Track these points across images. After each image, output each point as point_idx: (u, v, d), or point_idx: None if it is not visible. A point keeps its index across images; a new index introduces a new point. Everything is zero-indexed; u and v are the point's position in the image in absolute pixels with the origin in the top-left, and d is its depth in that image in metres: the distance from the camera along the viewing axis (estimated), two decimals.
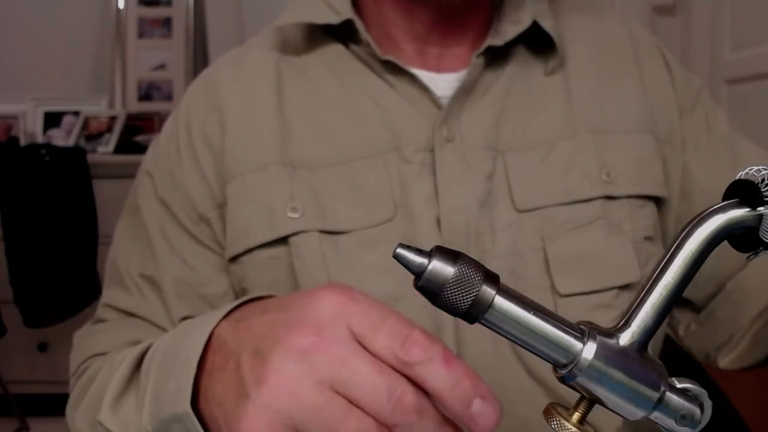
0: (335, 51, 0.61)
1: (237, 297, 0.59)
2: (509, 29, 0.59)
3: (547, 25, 0.59)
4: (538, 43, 0.61)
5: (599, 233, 0.55)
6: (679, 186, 0.62)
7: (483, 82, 0.59)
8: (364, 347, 0.28)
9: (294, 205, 0.55)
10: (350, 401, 0.28)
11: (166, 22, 2.49)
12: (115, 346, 0.57)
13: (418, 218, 0.54)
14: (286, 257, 0.54)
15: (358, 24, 0.58)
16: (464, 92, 0.58)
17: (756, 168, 0.26)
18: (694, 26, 2.21)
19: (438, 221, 0.54)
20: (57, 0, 2.49)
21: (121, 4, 2.48)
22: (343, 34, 0.61)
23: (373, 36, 0.60)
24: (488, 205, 0.55)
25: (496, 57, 0.60)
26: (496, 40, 0.58)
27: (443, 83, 0.59)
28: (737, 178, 0.26)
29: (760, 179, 0.25)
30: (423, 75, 0.59)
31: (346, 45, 0.61)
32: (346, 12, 0.59)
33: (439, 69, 0.61)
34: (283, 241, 0.54)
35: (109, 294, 0.64)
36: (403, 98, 0.58)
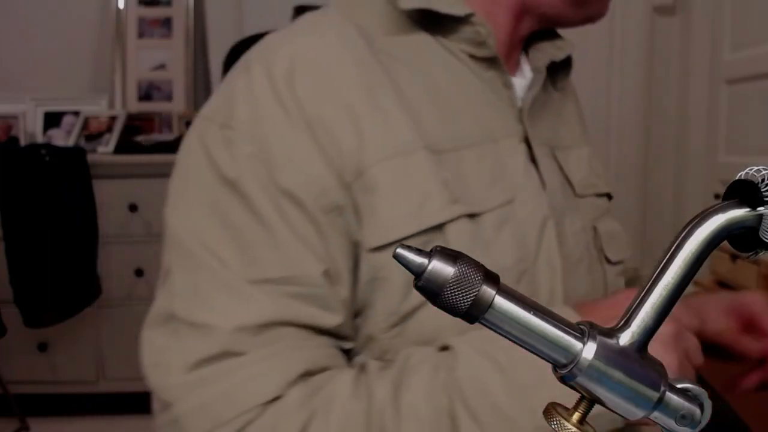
0: (422, 39, 0.60)
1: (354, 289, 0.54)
2: (556, 52, 0.67)
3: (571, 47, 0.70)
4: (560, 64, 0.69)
5: (614, 220, 0.71)
6: None
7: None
8: None
9: (449, 190, 0.54)
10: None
11: (166, 22, 2.50)
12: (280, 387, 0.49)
13: (532, 200, 0.59)
14: (439, 243, 0.52)
15: (480, 22, 0.59)
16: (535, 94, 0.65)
17: (756, 168, 0.26)
18: (694, 26, 2.21)
19: (547, 200, 0.61)
20: (57, 0, 2.49)
21: (121, 4, 2.48)
22: (431, 24, 0.60)
23: (467, 31, 0.61)
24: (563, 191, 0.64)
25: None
26: (558, 54, 0.67)
27: (517, 84, 0.64)
28: (737, 178, 0.26)
29: (760, 179, 0.25)
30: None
31: (433, 35, 0.61)
32: (462, 7, 0.59)
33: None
34: (438, 227, 0.53)
35: (228, 311, 0.50)
36: (492, 91, 0.61)
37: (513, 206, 0.58)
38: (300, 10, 0.86)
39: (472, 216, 0.55)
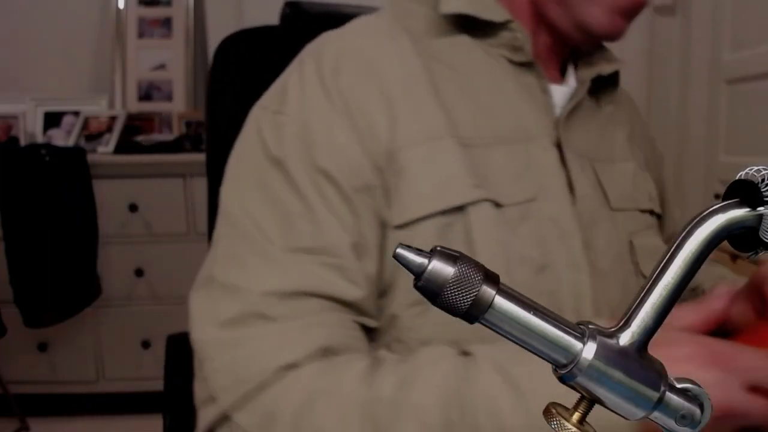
0: (463, 42, 0.64)
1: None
2: (605, 67, 0.69)
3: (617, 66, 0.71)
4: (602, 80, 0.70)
5: (658, 237, 0.71)
6: None
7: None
8: None
9: (473, 176, 0.57)
10: None
11: (166, 22, 2.50)
12: (309, 356, 0.52)
13: (556, 201, 0.61)
14: (461, 224, 0.56)
15: (518, 28, 0.63)
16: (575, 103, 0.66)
17: (756, 168, 0.26)
18: (694, 26, 2.21)
19: (573, 205, 0.61)
20: (57, 0, 2.49)
21: (121, 4, 2.48)
22: (472, 27, 0.64)
23: (505, 36, 0.64)
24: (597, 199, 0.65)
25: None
26: (605, 68, 0.68)
27: (557, 92, 0.66)
28: (737, 178, 0.26)
29: (760, 179, 0.25)
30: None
31: (474, 36, 0.64)
32: (501, 13, 0.63)
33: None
34: (460, 209, 0.56)
35: (259, 275, 0.54)
36: (529, 95, 0.64)
37: (535, 204, 0.59)
38: (292, 6, 0.86)
39: (496, 204, 0.57)
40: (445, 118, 0.58)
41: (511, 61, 0.64)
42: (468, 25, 0.64)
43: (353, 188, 0.56)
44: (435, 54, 0.62)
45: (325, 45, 0.63)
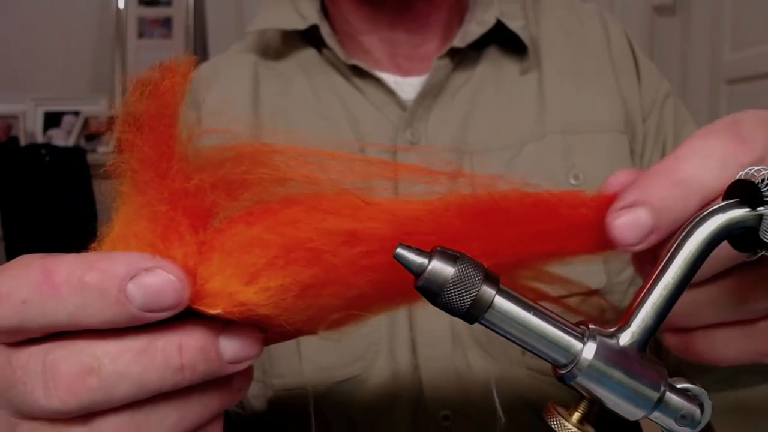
0: (309, 55, 0.63)
1: None
2: (474, 30, 0.60)
3: (515, 25, 0.60)
4: (512, 43, 0.61)
5: None
6: None
7: (452, 84, 0.60)
8: None
9: None
10: None
11: (166, 22, 2.49)
12: None
13: None
14: None
15: (324, 29, 0.60)
16: (430, 95, 0.59)
17: (756, 168, 0.26)
18: (694, 26, 2.21)
19: None
20: (57, 0, 2.49)
21: (121, 4, 2.48)
22: (314, 39, 0.62)
23: (342, 41, 0.62)
24: None
25: (466, 58, 0.61)
26: (459, 41, 0.59)
27: (409, 86, 0.60)
28: (737, 178, 0.26)
29: (760, 179, 0.25)
30: (389, 78, 0.60)
31: (318, 50, 0.63)
32: (312, 17, 0.60)
33: (409, 71, 0.62)
34: None
35: None
36: (370, 102, 0.60)
37: None
38: None
39: None
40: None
41: (349, 66, 0.60)
42: (309, 38, 0.63)
43: None
44: (281, 72, 0.62)
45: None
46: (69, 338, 0.23)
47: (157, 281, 0.23)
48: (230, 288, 0.24)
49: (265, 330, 0.27)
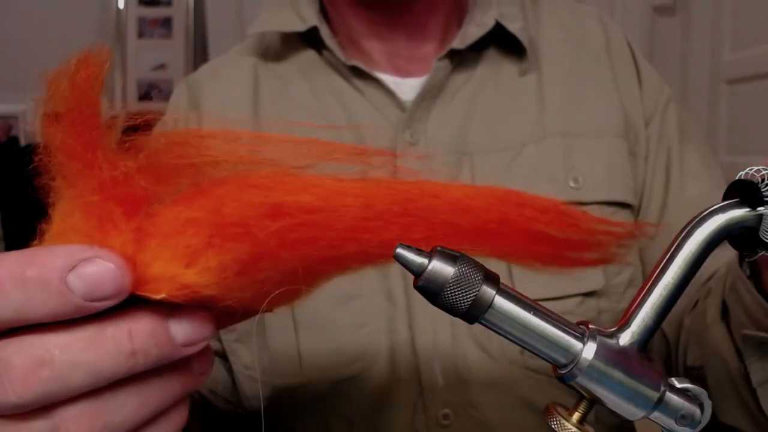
0: (308, 57, 0.63)
1: None
2: (473, 32, 0.60)
3: (514, 27, 0.60)
4: (511, 44, 0.61)
5: None
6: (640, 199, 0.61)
7: (451, 85, 0.60)
8: None
9: None
10: None
11: (166, 22, 2.49)
12: None
13: None
14: None
15: (323, 31, 0.60)
16: (429, 96, 0.59)
17: (756, 168, 0.26)
18: (694, 26, 2.21)
19: None
20: (57, 0, 2.49)
21: (121, 4, 2.48)
22: (314, 41, 0.62)
23: (342, 42, 0.62)
24: None
25: (465, 59, 0.61)
26: (459, 43, 0.59)
27: (408, 88, 0.60)
28: (737, 178, 0.26)
29: (760, 179, 0.25)
30: (389, 79, 0.60)
31: (318, 51, 0.63)
32: (312, 20, 0.60)
33: (409, 73, 0.62)
34: None
35: None
36: (369, 103, 0.59)
37: None
38: None
39: None
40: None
41: (349, 67, 0.60)
42: (308, 40, 0.63)
43: None
44: (281, 74, 0.62)
45: (182, 80, 0.68)
46: (18, 334, 0.24)
47: (97, 270, 0.23)
48: (171, 271, 0.24)
49: (212, 310, 0.27)
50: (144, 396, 0.25)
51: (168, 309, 0.25)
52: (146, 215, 0.25)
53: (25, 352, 0.23)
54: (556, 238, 0.31)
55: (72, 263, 0.23)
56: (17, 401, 0.23)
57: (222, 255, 0.24)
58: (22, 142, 2.36)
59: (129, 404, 0.25)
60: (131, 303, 0.24)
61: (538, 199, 0.31)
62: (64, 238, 0.25)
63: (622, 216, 0.58)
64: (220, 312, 0.27)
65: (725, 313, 0.46)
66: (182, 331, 0.25)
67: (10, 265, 0.23)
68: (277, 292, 0.27)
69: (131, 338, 0.24)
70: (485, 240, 0.30)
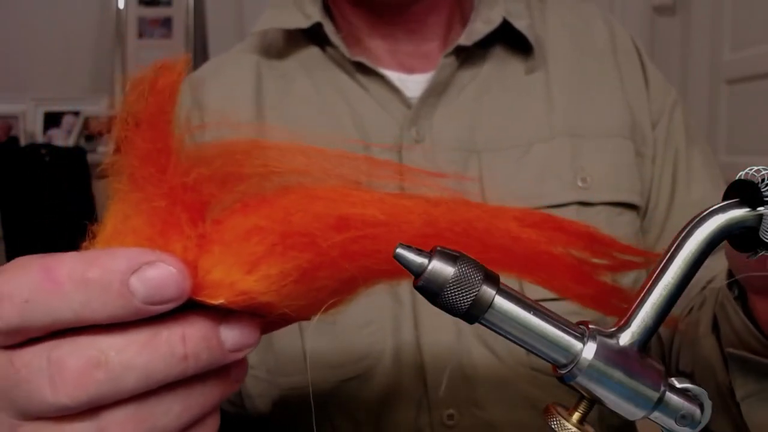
0: (312, 54, 0.62)
1: None
2: (480, 28, 0.59)
3: (520, 24, 0.60)
4: (518, 42, 0.61)
5: None
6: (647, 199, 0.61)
7: (457, 82, 0.60)
8: None
9: None
10: None
11: (166, 22, 2.49)
12: None
13: None
14: None
15: (327, 27, 0.60)
16: (434, 93, 0.59)
17: (756, 168, 0.26)
18: (694, 26, 2.21)
19: None
20: (57, 0, 2.49)
21: (121, 4, 2.48)
22: (318, 37, 0.62)
23: (345, 39, 0.61)
24: None
25: (471, 56, 0.61)
26: (465, 39, 0.59)
27: (413, 84, 0.60)
28: (737, 178, 0.26)
29: (760, 179, 0.25)
30: (393, 76, 0.60)
31: (322, 48, 0.62)
32: (316, 16, 0.60)
33: (413, 69, 0.62)
34: None
35: None
36: (374, 99, 0.59)
37: None
38: None
39: None
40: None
41: (353, 63, 0.60)
42: (312, 37, 0.63)
43: None
44: (284, 72, 0.62)
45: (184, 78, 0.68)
46: (73, 335, 0.23)
47: (159, 274, 0.23)
48: (232, 278, 0.24)
49: (264, 317, 0.27)
50: (188, 401, 0.25)
51: (220, 314, 0.25)
52: (210, 222, 0.25)
53: (80, 353, 0.23)
54: (601, 284, 0.32)
55: (134, 266, 0.23)
56: (68, 402, 0.22)
57: (283, 263, 0.24)
58: (22, 142, 2.36)
59: (173, 409, 0.25)
60: (184, 307, 0.24)
61: (573, 224, 0.32)
62: (120, 241, 0.25)
63: (628, 216, 0.58)
64: (269, 318, 0.27)
65: (716, 326, 0.46)
66: (232, 336, 0.25)
67: (71, 266, 0.23)
68: (331, 301, 0.27)
69: (185, 342, 0.24)
70: (534, 271, 0.30)
